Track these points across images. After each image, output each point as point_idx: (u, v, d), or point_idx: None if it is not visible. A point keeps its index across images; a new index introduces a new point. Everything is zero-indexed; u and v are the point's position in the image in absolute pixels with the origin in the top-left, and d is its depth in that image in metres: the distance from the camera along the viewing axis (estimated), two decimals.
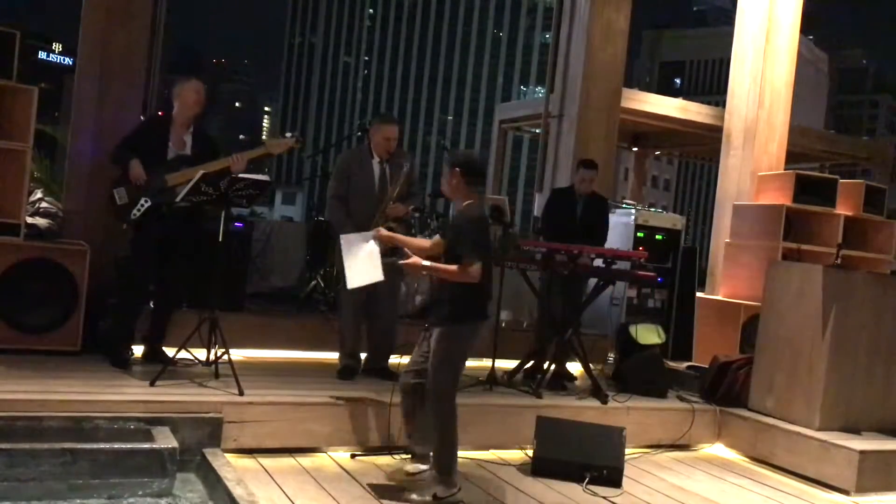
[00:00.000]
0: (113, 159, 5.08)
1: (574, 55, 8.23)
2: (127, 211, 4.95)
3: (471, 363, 6.34)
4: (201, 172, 4.69)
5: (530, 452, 4.84)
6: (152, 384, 4.52)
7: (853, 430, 5.46)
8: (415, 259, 3.99)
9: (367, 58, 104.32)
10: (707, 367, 6.30)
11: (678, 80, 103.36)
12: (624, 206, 8.58)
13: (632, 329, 6.49)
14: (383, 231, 4.34)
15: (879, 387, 5.67)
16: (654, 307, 7.90)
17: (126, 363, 4.99)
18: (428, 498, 3.96)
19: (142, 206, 4.93)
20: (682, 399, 5.97)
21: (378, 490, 4.11)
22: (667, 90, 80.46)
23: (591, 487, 4.56)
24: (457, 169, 4.05)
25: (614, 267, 5.84)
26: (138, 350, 5.23)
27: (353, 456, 4.62)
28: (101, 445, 3.77)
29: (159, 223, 4.97)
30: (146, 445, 3.86)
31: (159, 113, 5.50)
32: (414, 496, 3.99)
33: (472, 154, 4.18)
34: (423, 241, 4.48)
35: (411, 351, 5.61)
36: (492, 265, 4.16)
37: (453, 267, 3.94)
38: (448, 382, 4.05)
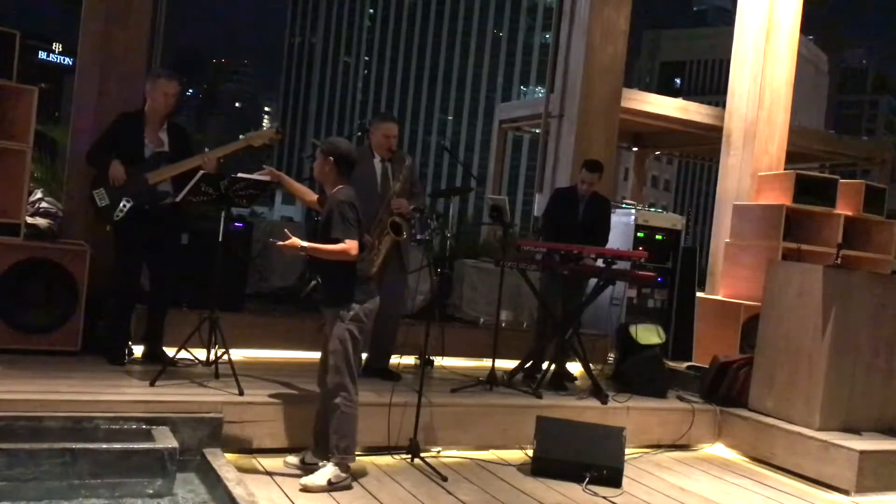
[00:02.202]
0: (89, 160, 5.06)
1: (574, 55, 8.23)
2: (109, 212, 4.93)
3: (471, 363, 6.39)
4: (201, 172, 4.68)
5: (530, 452, 4.84)
6: (152, 384, 4.52)
7: (853, 430, 5.46)
8: (292, 241, 4.02)
9: (367, 58, 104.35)
10: (707, 367, 6.30)
11: (678, 80, 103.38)
12: (624, 206, 8.57)
13: (632, 329, 6.49)
14: (273, 170, 4.62)
15: (879, 387, 5.67)
16: (654, 307, 7.90)
17: (123, 361, 5.00)
18: (323, 482, 4.02)
19: (124, 206, 4.91)
20: (682, 399, 5.97)
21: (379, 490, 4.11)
22: (667, 90, 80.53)
23: (591, 487, 4.56)
24: (330, 158, 4.17)
25: (614, 267, 5.84)
26: (139, 350, 5.24)
27: None
28: (101, 445, 3.77)
29: (142, 223, 4.95)
30: (146, 445, 3.86)
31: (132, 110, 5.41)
32: (308, 480, 4.03)
33: (348, 146, 4.29)
34: (311, 192, 4.53)
35: (411, 351, 5.64)
36: (364, 246, 4.24)
37: (332, 246, 4.03)
38: (346, 367, 4.10)
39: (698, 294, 7.85)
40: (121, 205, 4.91)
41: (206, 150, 5.16)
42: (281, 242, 4.04)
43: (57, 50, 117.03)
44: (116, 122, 5.12)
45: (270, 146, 5.18)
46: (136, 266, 5.10)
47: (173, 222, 5.09)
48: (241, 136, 5.16)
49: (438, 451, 4.88)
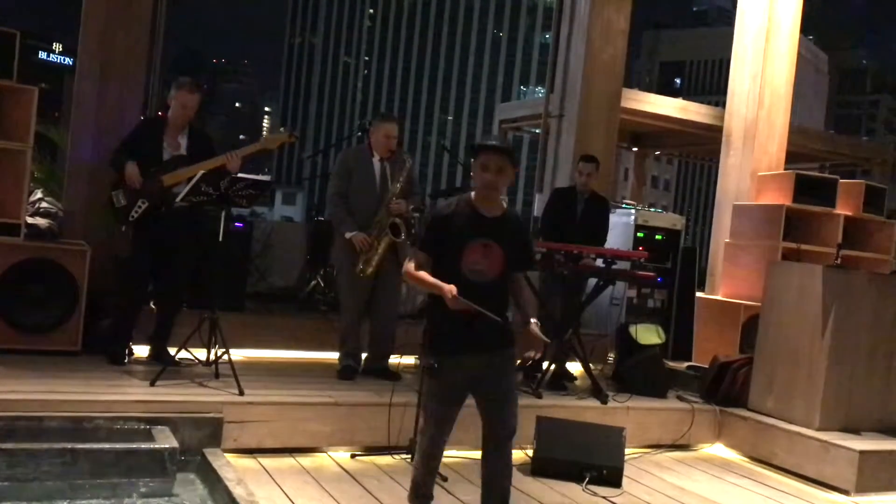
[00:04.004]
0: (111, 164, 5.10)
1: (574, 55, 8.23)
2: (125, 213, 4.97)
3: None
4: (201, 172, 4.71)
5: (530, 452, 4.84)
6: (153, 384, 4.52)
7: (853, 430, 5.46)
8: (534, 330, 3.37)
9: (367, 58, 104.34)
10: (707, 367, 6.30)
11: (678, 80, 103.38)
12: (624, 206, 8.57)
13: (632, 329, 6.49)
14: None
15: (879, 387, 5.67)
16: (653, 307, 7.90)
17: (123, 361, 5.01)
18: None
19: (139, 207, 4.95)
20: (681, 399, 5.97)
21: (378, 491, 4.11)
22: (667, 90, 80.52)
23: (591, 487, 4.57)
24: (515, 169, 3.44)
25: (614, 267, 5.84)
26: (144, 350, 5.25)
27: (353, 456, 4.62)
28: (102, 445, 3.78)
29: (158, 224, 4.98)
30: (146, 445, 3.86)
31: (159, 113, 5.50)
32: None
33: None
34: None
35: (411, 351, 5.63)
36: None
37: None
38: None
39: (698, 294, 7.85)
40: (136, 205, 4.94)
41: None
42: (531, 324, 3.38)
43: (57, 50, 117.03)
44: (138, 127, 5.21)
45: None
46: (146, 267, 5.11)
47: (190, 224, 5.10)
48: (261, 138, 5.23)
49: None
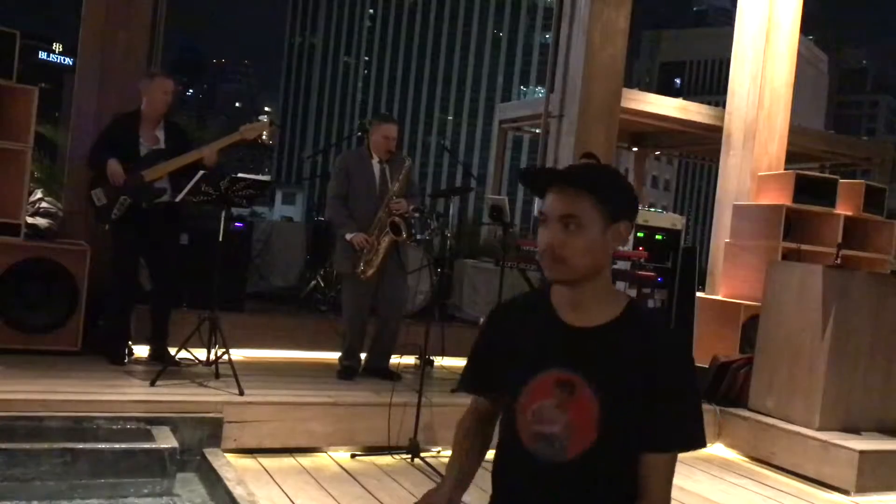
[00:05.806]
0: (90, 163, 5.08)
1: (574, 55, 8.22)
2: (107, 211, 4.94)
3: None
4: (201, 172, 4.70)
5: None
6: (152, 384, 4.52)
7: (853, 430, 5.45)
8: None
9: (367, 58, 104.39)
10: (707, 367, 6.30)
11: (678, 80, 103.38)
12: None
13: None
14: None
15: (879, 387, 5.66)
16: (654, 307, 7.89)
17: (123, 361, 5.01)
18: None
19: (121, 204, 4.93)
20: None
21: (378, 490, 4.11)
22: (667, 90, 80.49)
23: None
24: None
25: (614, 267, 5.84)
26: (143, 350, 5.24)
27: (353, 456, 4.62)
28: (102, 445, 3.78)
29: (139, 220, 4.96)
30: (146, 445, 3.86)
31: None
32: None
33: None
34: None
35: (411, 351, 5.63)
36: None
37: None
38: None
39: (698, 294, 7.84)
40: (119, 202, 4.92)
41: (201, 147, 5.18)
42: None
43: (57, 50, 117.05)
44: (111, 124, 5.16)
45: (268, 142, 5.19)
46: (134, 265, 5.11)
47: (171, 220, 5.10)
48: (240, 128, 5.19)
49: (438, 451, 4.87)
